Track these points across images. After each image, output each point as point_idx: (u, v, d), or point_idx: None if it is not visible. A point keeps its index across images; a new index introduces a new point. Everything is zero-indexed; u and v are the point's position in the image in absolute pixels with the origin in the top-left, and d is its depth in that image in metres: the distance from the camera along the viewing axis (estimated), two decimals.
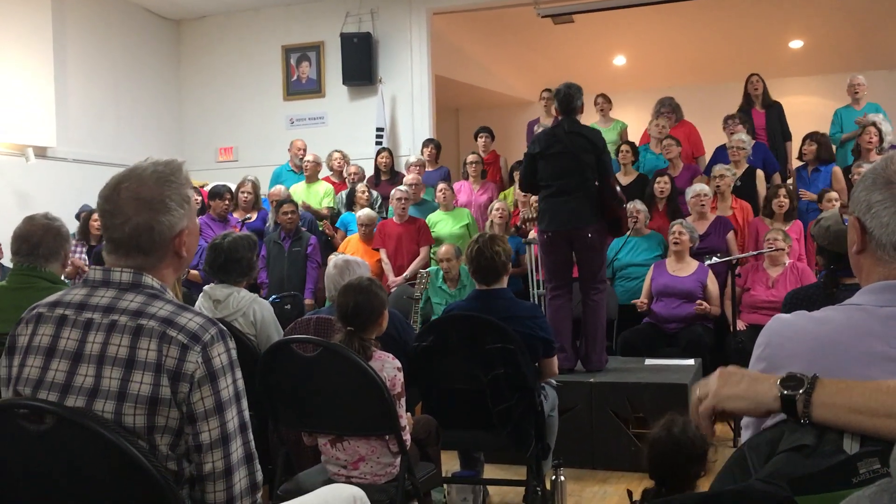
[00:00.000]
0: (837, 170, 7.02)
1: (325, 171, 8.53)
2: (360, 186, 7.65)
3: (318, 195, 8.08)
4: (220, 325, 1.74)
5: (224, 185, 7.48)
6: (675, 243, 5.97)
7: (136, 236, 1.73)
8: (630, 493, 2.73)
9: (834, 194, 6.39)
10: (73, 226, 6.88)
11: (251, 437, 1.76)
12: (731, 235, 6.38)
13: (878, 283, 1.30)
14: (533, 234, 6.48)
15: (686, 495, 1.23)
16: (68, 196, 7.80)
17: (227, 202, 7.32)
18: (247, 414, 1.75)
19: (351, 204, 7.73)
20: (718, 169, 6.79)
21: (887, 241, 1.28)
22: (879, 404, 1.12)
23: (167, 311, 1.70)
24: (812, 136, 7.13)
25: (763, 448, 1.22)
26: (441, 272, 6.40)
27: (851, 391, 1.16)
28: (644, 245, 6.50)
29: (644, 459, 2.51)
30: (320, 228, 7.64)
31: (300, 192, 7.99)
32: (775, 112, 7.86)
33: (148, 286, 1.74)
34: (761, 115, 7.84)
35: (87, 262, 6.55)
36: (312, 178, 8.17)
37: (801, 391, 1.18)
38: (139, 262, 1.75)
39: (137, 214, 1.73)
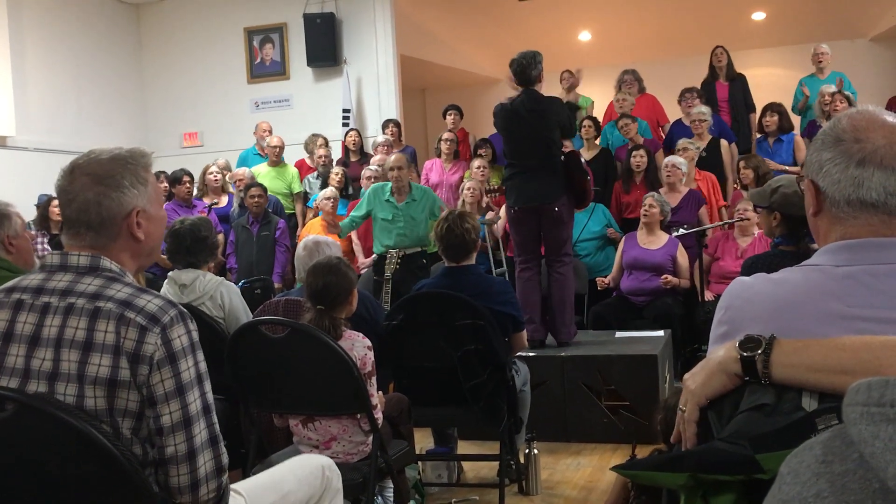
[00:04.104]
0: (799, 138, 7.12)
1: (296, 154, 8.44)
2: (336, 169, 7.56)
3: (286, 180, 8.00)
4: (181, 307, 1.72)
5: (182, 170, 7.42)
6: (645, 215, 6.02)
7: (83, 211, 1.72)
8: (634, 447, 2.76)
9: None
10: (33, 215, 6.79)
11: (215, 419, 1.75)
12: (703, 210, 6.44)
13: (836, 243, 1.31)
14: (489, 216, 6.48)
15: (651, 457, 1.24)
16: (30, 186, 7.67)
17: (187, 185, 7.25)
18: (210, 396, 1.74)
19: (326, 186, 7.65)
20: (682, 143, 6.85)
21: (840, 198, 1.29)
22: (836, 362, 1.14)
23: (125, 293, 1.68)
24: (772, 107, 7.20)
25: (725, 409, 1.24)
26: (388, 186, 6.12)
27: (808, 350, 1.17)
28: (591, 220, 6.52)
29: (658, 424, 2.53)
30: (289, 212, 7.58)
31: (265, 176, 7.88)
32: (739, 84, 7.92)
33: (106, 269, 1.73)
34: (725, 87, 7.90)
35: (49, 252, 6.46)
36: (276, 163, 8.05)
37: (759, 352, 1.19)
38: (90, 240, 1.74)
39: (86, 190, 1.72)
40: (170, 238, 3.76)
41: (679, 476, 1.15)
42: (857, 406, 0.71)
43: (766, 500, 0.80)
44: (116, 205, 1.73)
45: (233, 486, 1.90)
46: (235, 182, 7.66)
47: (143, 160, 1.80)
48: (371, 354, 2.91)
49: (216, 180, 7.64)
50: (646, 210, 6.02)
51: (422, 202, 6.07)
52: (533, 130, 4.92)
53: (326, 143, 8.25)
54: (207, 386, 1.74)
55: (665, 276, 5.81)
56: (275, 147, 8.01)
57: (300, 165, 8.31)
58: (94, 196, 1.72)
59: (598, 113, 8.59)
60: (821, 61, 7.72)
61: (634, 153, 6.87)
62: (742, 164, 6.47)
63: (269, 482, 2.13)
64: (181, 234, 3.72)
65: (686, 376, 1.31)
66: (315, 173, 7.99)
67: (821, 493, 0.69)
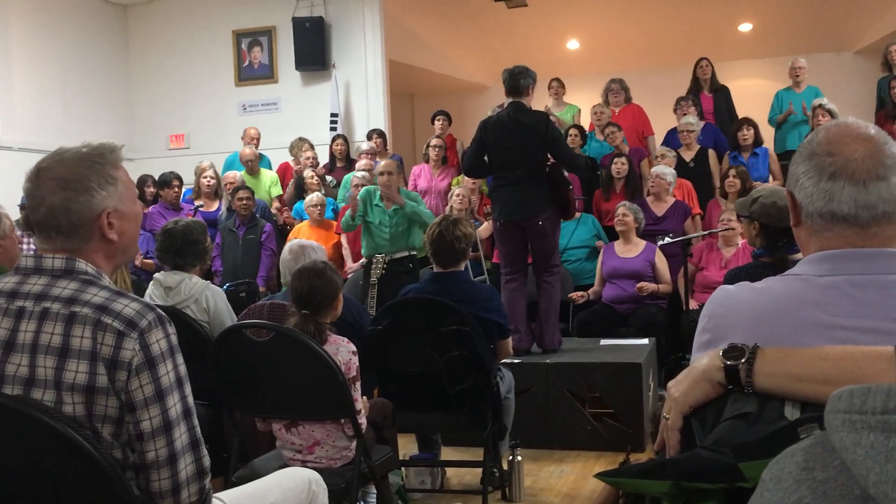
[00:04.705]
0: (773, 152, 7.25)
1: (285, 158, 8.42)
2: (308, 172, 7.54)
3: (264, 185, 7.97)
4: (159, 310, 1.69)
5: (171, 173, 7.39)
6: (620, 224, 6.06)
7: (51, 216, 1.68)
8: (627, 454, 2.77)
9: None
10: (16, 216, 6.73)
11: (196, 422, 1.72)
12: (689, 221, 6.47)
13: (818, 253, 1.32)
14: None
15: (634, 464, 1.24)
16: (14, 186, 7.60)
17: (175, 189, 7.22)
18: (190, 399, 1.72)
19: (301, 191, 7.62)
20: (661, 150, 6.90)
21: (813, 211, 1.31)
22: (818, 371, 1.14)
23: (102, 297, 1.64)
24: (747, 121, 7.28)
25: (708, 417, 1.24)
26: (378, 191, 6.11)
27: (791, 359, 1.18)
28: (578, 228, 6.54)
29: (652, 434, 2.54)
30: (274, 218, 7.56)
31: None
32: (722, 96, 7.99)
33: (82, 272, 1.69)
34: (709, 98, 7.97)
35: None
36: (253, 171, 7.97)
37: (742, 361, 1.20)
38: (61, 244, 1.69)
39: (52, 194, 1.68)
40: (161, 237, 3.75)
41: (662, 484, 1.15)
42: (838, 413, 0.72)
43: None
44: (85, 209, 1.69)
45: (216, 495, 1.88)
46: (226, 185, 7.62)
47: (111, 157, 1.74)
48: (356, 359, 2.91)
49: (209, 185, 7.59)
50: (619, 220, 6.07)
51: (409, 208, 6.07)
52: (518, 141, 4.93)
53: (312, 147, 8.24)
54: (188, 389, 1.71)
55: (640, 283, 5.83)
56: (248, 159, 7.92)
57: (285, 168, 8.29)
58: (61, 201, 1.67)
59: (586, 122, 8.61)
60: (797, 75, 7.80)
61: (616, 160, 6.92)
62: (732, 172, 6.52)
63: (254, 492, 2.11)
64: (173, 235, 3.71)
65: (670, 384, 1.32)
66: (292, 180, 7.92)
67: (802, 499, 0.70)
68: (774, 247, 3.15)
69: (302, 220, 7.30)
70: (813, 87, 7.73)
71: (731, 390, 1.22)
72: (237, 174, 7.72)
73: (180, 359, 1.70)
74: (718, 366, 1.22)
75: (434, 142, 7.89)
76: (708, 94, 7.99)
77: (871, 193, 1.26)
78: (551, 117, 5.61)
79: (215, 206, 7.58)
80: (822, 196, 1.29)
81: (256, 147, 8.22)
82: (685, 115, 7.38)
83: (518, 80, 5.01)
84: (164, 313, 1.70)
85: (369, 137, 8.24)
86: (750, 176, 6.65)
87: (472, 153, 5.19)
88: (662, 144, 7.49)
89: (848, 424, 0.70)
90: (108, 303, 1.64)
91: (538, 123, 4.99)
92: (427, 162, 7.93)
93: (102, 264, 1.74)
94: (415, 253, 6.14)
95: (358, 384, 2.89)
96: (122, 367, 1.60)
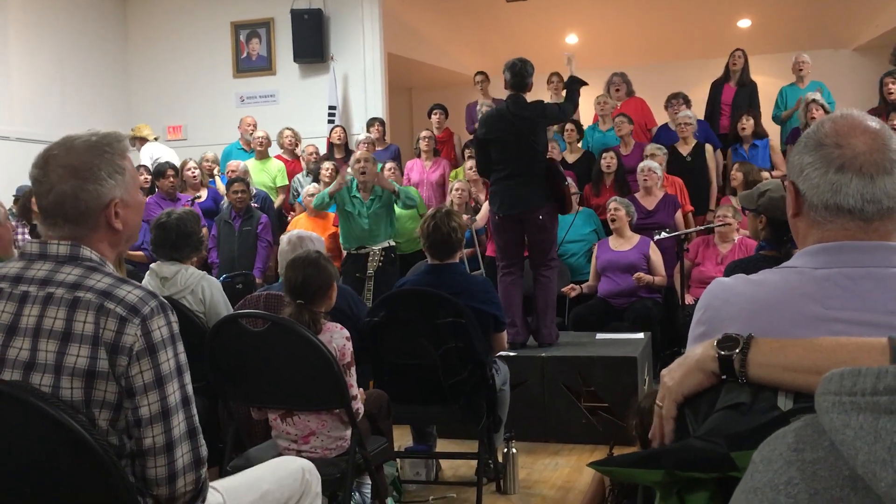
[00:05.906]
0: (775, 143, 7.20)
1: (275, 150, 8.44)
2: (326, 164, 7.53)
3: (270, 173, 7.99)
4: (161, 298, 1.70)
5: (167, 162, 7.39)
6: (613, 220, 6.06)
7: (60, 203, 1.69)
8: (611, 447, 2.77)
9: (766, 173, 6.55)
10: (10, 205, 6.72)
11: (195, 411, 1.73)
12: (679, 214, 6.48)
13: (814, 245, 1.32)
14: (466, 219, 6.49)
15: (626, 454, 1.25)
16: (12, 175, 7.60)
17: (171, 180, 7.23)
18: (190, 388, 1.73)
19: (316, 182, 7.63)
20: (650, 149, 6.92)
21: (819, 202, 1.30)
22: (811, 363, 1.15)
23: (105, 283, 1.66)
24: (748, 112, 7.27)
25: (701, 407, 1.24)
26: (356, 181, 6.15)
27: (785, 350, 1.18)
28: (578, 222, 6.56)
29: (634, 429, 2.54)
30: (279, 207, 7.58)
31: (252, 169, 7.87)
32: (746, 91, 7.89)
33: (86, 258, 1.70)
34: (731, 91, 7.93)
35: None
36: (263, 155, 8.06)
37: (736, 351, 1.20)
38: (67, 231, 1.71)
39: (62, 182, 1.69)
40: (156, 230, 3.73)
41: (655, 473, 1.16)
42: (829, 395, 0.72)
43: (738, 487, 0.81)
44: (94, 198, 1.71)
45: (211, 483, 1.89)
46: (228, 174, 7.64)
47: (119, 146, 1.77)
48: (350, 345, 2.91)
49: (194, 177, 7.63)
50: (612, 215, 6.08)
51: (384, 197, 6.12)
52: (518, 135, 4.93)
53: (295, 135, 8.26)
54: (187, 378, 1.72)
55: (637, 274, 5.83)
56: (259, 138, 7.99)
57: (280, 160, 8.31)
58: (71, 189, 1.69)
59: (585, 117, 8.60)
60: (801, 70, 7.80)
61: (605, 155, 6.92)
62: (735, 167, 6.53)
63: (248, 481, 2.12)
64: (167, 228, 3.69)
65: (663, 372, 1.32)
66: (304, 171, 7.96)
67: (791, 480, 0.70)
68: (780, 241, 3.15)
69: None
70: (817, 82, 7.72)
71: (724, 380, 1.23)
72: (240, 163, 7.74)
73: (181, 347, 1.72)
74: (712, 355, 1.22)
75: (423, 134, 7.99)
76: (732, 86, 7.95)
77: (877, 188, 1.26)
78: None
79: (204, 194, 7.63)
80: (829, 188, 1.28)
81: (252, 134, 8.26)
82: (678, 111, 7.38)
83: (524, 77, 5.01)
84: (166, 301, 1.71)
85: (369, 126, 8.25)
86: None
87: (476, 154, 5.21)
88: (653, 140, 7.48)
89: (838, 406, 0.70)
90: (112, 289, 1.65)
91: (536, 114, 5.00)
92: (418, 155, 7.95)
93: (106, 252, 1.76)
94: (394, 244, 6.18)
95: (353, 369, 2.89)
96: (123, 352, 1.61)
